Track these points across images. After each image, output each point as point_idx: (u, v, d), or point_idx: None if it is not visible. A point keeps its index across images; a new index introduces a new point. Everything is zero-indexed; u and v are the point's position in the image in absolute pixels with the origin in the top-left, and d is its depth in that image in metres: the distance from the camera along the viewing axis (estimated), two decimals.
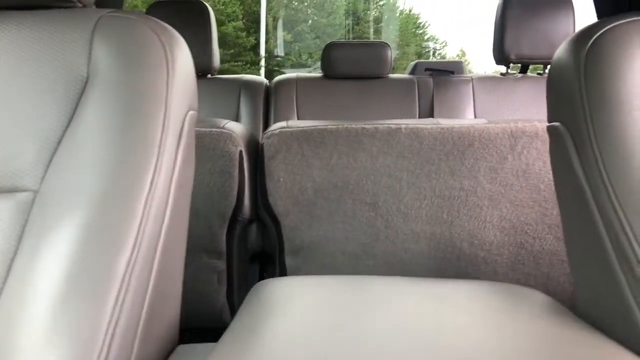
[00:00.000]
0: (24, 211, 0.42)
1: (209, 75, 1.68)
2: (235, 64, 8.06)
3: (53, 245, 0.40)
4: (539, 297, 0.58)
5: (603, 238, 0.45)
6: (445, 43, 11.69)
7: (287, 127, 0.94)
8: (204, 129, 0.93)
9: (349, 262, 0.93)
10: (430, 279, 0.65)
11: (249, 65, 8.14)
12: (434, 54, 11.39)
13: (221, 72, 1.76)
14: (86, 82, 0.47)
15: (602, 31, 0.46)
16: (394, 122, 0.94)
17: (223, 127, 0.94)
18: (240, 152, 0.93)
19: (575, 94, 0.46)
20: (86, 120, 0.45)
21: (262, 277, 1.09)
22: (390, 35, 10.13)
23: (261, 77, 1.80)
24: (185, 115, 0.49)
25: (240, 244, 1.00)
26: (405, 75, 1.84)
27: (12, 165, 0.45)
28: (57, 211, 0.41)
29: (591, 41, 0.46)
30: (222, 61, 1.73)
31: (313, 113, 1.63)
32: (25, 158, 0.45)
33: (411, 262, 0.93)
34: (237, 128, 0.97)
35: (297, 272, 0.95)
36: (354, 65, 1.66)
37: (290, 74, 1.81)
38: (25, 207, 0.42)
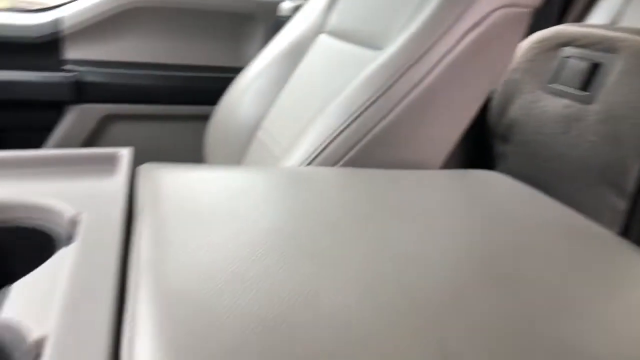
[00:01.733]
0: (364, 65, 0.55)
1: None
2: None
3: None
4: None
5: None
6: None
7: None
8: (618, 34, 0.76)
9: None
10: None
11: None
12: None
13: None
14: None
15: None
16: None
17: None
18: None
19: None
20: None
21: None
22: None
23: None
24: (492, 11, 0.52)
25: None
26: None
27: (377, 28, 0.57)
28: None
29: None
30: None
31: None
32: (389, 25, 0.56)
33: None
34: None
35: None
36: None
37: None
38: (366, 61, 0.55)
